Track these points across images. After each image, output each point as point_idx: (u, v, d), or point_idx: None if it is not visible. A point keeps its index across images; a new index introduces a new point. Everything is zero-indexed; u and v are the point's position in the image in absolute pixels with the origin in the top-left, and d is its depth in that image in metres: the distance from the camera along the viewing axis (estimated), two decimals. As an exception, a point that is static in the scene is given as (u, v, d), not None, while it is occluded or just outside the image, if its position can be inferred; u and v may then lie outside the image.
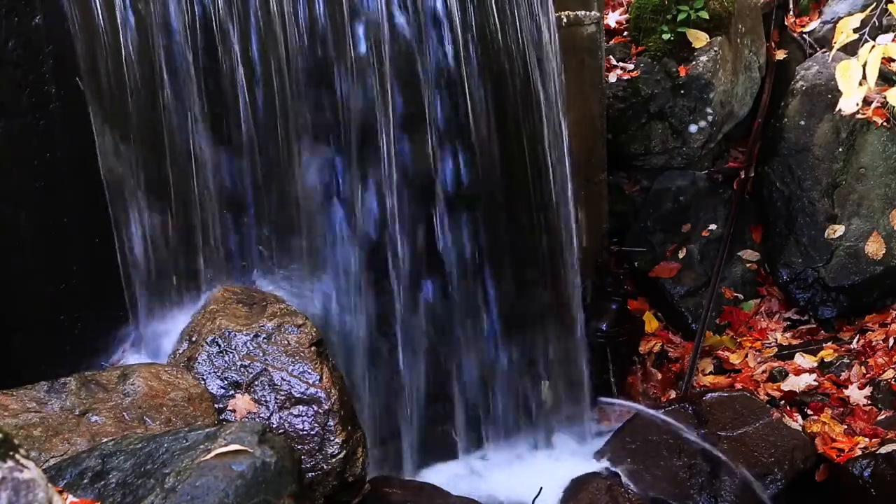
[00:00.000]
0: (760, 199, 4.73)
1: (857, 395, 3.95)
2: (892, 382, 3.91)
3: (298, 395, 2.56)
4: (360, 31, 3.03)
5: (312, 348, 2.64)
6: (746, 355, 4.32)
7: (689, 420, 3.63)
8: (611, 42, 4.68)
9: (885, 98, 3.50)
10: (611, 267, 4.45)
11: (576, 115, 3.81)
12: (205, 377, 2.57)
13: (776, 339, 4.43)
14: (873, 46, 2.50)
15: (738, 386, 4.07)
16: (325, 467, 2.51)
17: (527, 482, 3.32)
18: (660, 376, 4.31)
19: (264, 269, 2.99)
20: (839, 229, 4.43)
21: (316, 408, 2.55)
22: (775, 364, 4.21)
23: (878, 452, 3.39)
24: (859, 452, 3.51)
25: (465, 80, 3.24)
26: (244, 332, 2.65)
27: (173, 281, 2.85)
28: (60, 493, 1.60)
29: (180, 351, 2.66)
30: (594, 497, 3.23)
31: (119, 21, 2.62)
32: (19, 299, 2.59)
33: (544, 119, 3.48)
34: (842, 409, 3.91)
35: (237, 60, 2.82)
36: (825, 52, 4.73)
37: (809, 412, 3.94)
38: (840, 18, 3.38)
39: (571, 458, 3.63)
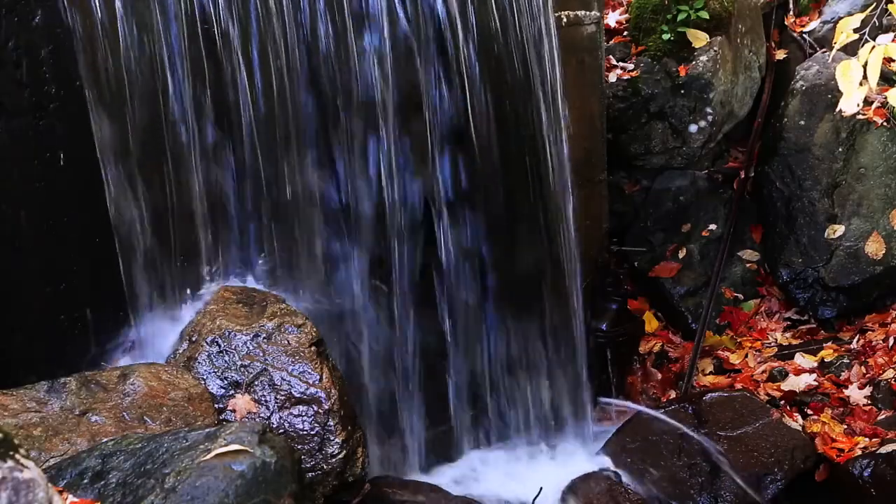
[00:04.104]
0: (760, 199, 4.73)
1: (857, 395, 3.94)
2: (892, 382, 3.91)
3: (298, 395, 2.56)
4: (361, 31, 3.03)
5: (312, 348, 2.64)
6: (746, 355, 4.32)
7: (689, 420, 3.63)
8: (611, 42, 4.68)
9: (885, 98, 3.50)
10: (611, 267, 4.44)
11: (576, 115, 3.81)
12: (205, 377, 2.57)
13: (776, 339, 4.43)
14: (874, 47, 2.50)
15: (738, 386, 4.07)
16: (325, 467, 2.51)
17: (527, 482, 3.32)
18: (660, 376, 4.31)
19: (265, 269, 2.99)
20: (839, 229, 4.43)
21: (316, 408, 2.55)
22: (775, 364, 4.21)
23: (878, 452, 3.39)
24: (859, 452, 3.51)
25: (465, 79, 3.24)
26: (244, 332, 2.65)
27: (173, 281, 2.84)
28: (60, 492, 1.60)
29: (180, 351, 2.66)
30: (594, 497, 3.23)
31: (119, 20, 2.62)
32: (19, 299, 2.59)
33: (544, 119, 3.48)
34: (842, 409, 3.91)
35: (237, 58, 2.82)
36: (825, 52, 4.73)
37: (809, 412, 3.94)
38: (840, 18, 3.38)
39: (571, 458, 3.63)
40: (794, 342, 4.41)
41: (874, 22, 3.06)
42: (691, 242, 4.64)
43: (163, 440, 2.02)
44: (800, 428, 3.72)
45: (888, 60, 3.97)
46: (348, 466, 2.55)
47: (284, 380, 2.57)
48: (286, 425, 2.52)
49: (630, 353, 4.32)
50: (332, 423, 2.54)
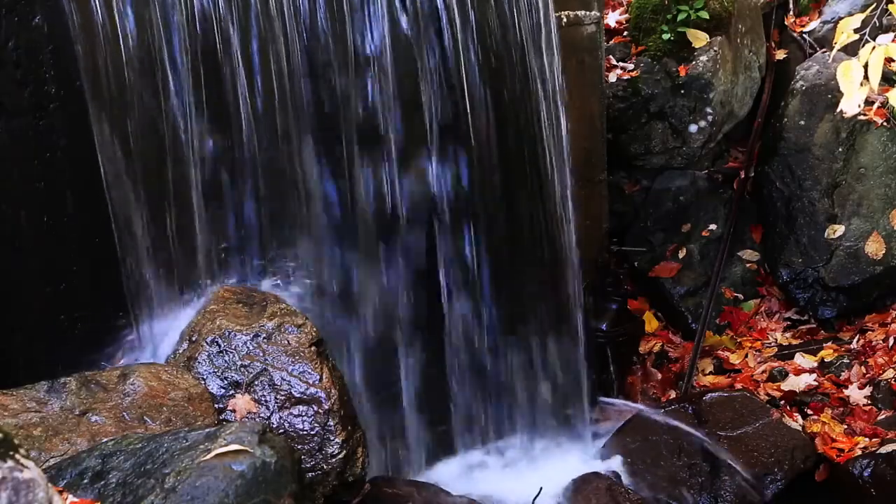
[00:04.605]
0: (760, 199, 4.73)
1: (857, 394, 3.94)
2: (892, 382, 3.91)
3: (298, 395, 2.56)
4: (361, 31, 3.03)
5: (312, 348, 2.64)
6: (746, 355, 4.32)
7: (689, 420, 3.63)
8: (611, 42, 4.68)
9: (885, 98, 3.49)
10: (611, 267, 4.44)
11: (576, 115, 3.81)
12: (205, 377, 2.57)
13: (776, 339, 4.43)
14: (874, 47, 2.50)
15: (738, 386, 4.07)
16: (325, 467, 2.51)
17: (527, 482, 3.32)
18: (660, 376, 4.31)
19: (264, 269, 2.99)
20: (839, 229, 4.43)
21: (316, 408, 2.54)
22: (775, 364, 4.21)
23: (878, 452, 3.39)
24: (859, 452, 3.51)
25: (464, 79, 3.24)
26: (244, 332, 2.65)
27: (173, 281, 2.84)
28: (60, 492, 1.60)
29: (180, 351, 2.66)
30: (594, 497, 3.23)
31: (119, 20, 2.62)
32: (19, 299, 2.59)
33: (544, 119, 3.48)
34: (842, 409, 3.91)
35: (237, 59, 2.82)
36: (825, 52, 4.73)
37: (809, 412, 3.94)
38: (840, 18, 3.38)
39: (571, 458, 3.63)
40: (794, 342, 4.40)
41: (874, 22, 3.05)
42: (691, 242, 4.64)
43: (163, 440, 2.02)
44: (800, 428, 3.72)
45: (888, 60, 3.97)
46: (348, 466, 2.55)
47: (284, 380, 2.57)
48: (286, 425, 2.52)
49: (630, 353, 4.32)
50: (332, 423, 2.53)
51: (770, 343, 4.41)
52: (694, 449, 3.50)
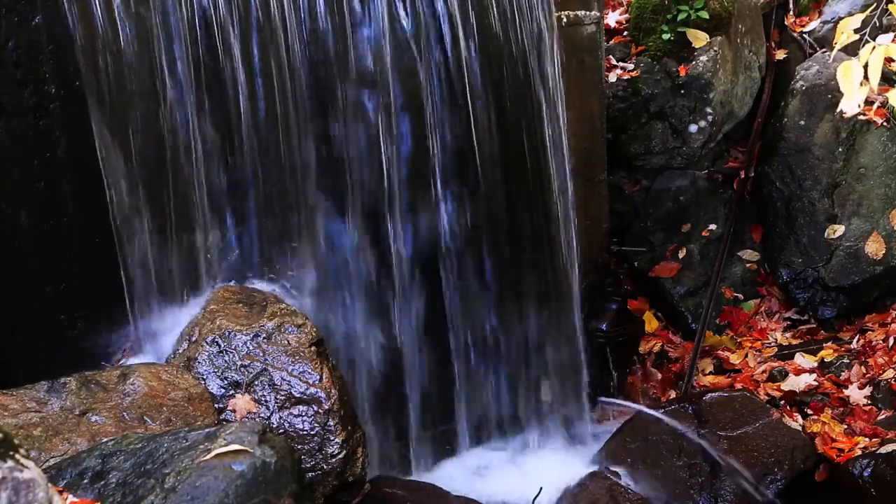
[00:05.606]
0: (760, 199, 4.73)
1: (857, 394, 3.94)
2: (892, 382, 3.91)
3: (298, 395, 2.56)
4: (361, 31, 3.03)
5: (312, 348, 2.64)
6: (746, 355, 4.32)
7: (689, 420, 3.63)
8: (611, 42, 4.68)
9: (885, 98, 3.49)
10: (611, 267, 4.44)
11: (576, 115, 3.81)
12: (205, 377, 2.58)
13: (776, 339, 4.43)
14: (874, 47, 2.50)
15: (738, 386, 4.07)
16: (325, 467, 2.52)
17: (527, 482, 3.32)
18: (660, 376, 4.31)
19: (264, 269, 2.99)
20: (839, 229, 4.43)
21: (316, 408, 2.55)
22: (775, 364, 4.21)
23: (878, 452, 3.39)
24: (859, 452, 3.51)
25: (465, 79, 3.24)
26: (244, 332, 2.65)
27: (173, 281, 2.85)
28: (60, 492, 1.60)
29: (180, 351, 2.66)
30: (594, 497, 3.23)
31: (119, 21, 2.62)
32: (19, 299, 2.59)
33: (544, 119, 3.48)
34: (842, 409, 3.91)
35: (237, 60, 2.82)
36: (825, 52, 4.73)
37: (809, 412, 3.93)
38: (840, 18, 3.37)
39: (571, 458, 3.63)
40: (794, 342, 4.40)
41: (874, 22, 3.05)
42: (691, 242, 4.64)
43: (163, 440, 2.02)
44: (800, 428, 3.72)
45: (888, 60, 3.97)
46: (348, 466, 2.55)
47: (284, 380, 2.57)
48: (286, 425, 2.52)
49: (630, 353, 4.31)
50: (332, 423, 2.54)
51: (770, 343, 4.41)
52: (694, 449, 3.50)
